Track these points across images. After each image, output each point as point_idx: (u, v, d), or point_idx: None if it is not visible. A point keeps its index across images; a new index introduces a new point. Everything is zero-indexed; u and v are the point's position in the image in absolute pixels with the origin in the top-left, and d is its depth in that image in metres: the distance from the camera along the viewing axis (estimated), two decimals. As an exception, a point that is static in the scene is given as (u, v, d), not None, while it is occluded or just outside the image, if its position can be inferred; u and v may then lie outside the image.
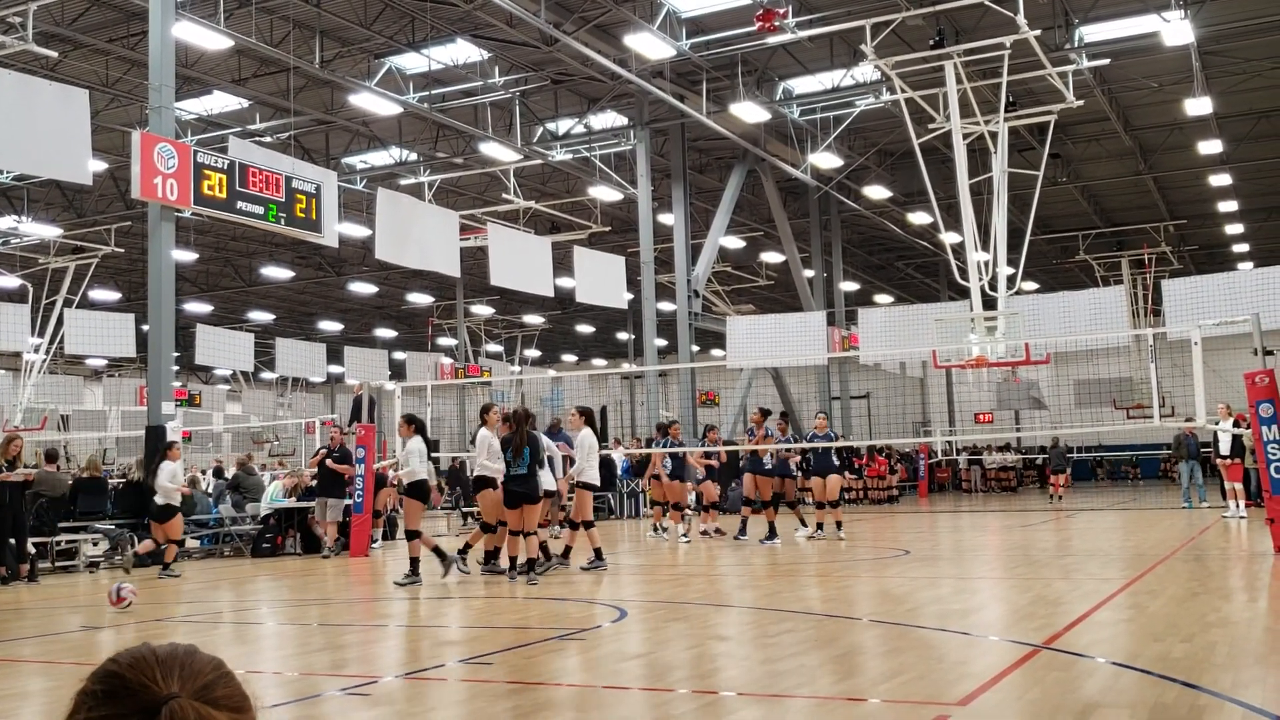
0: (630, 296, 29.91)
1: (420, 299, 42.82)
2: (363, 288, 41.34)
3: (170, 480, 14.06)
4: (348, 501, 16.76)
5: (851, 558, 13.83)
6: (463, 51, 23.17)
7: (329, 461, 16.73)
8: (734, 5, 20.91)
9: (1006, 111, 18.95)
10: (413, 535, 12.22)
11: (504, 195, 27.99)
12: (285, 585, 12.95)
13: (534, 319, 46.15)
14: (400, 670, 6.96)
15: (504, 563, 12.14)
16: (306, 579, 13.44)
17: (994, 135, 19.00)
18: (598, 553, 12.82)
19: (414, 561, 11.90)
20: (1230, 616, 7.94)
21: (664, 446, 17.88)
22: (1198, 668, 5.92)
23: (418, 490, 12.46)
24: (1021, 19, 16.91)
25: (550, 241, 25.89)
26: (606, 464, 25.60)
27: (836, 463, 17.14)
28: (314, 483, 17.24)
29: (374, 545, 17.20)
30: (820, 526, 17.31)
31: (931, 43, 18.35)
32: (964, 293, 19.81)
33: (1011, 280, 19.47)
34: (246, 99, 24.85)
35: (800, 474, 18.17)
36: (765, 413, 16.95)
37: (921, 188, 20.45)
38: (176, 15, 16.99)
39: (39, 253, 28.35)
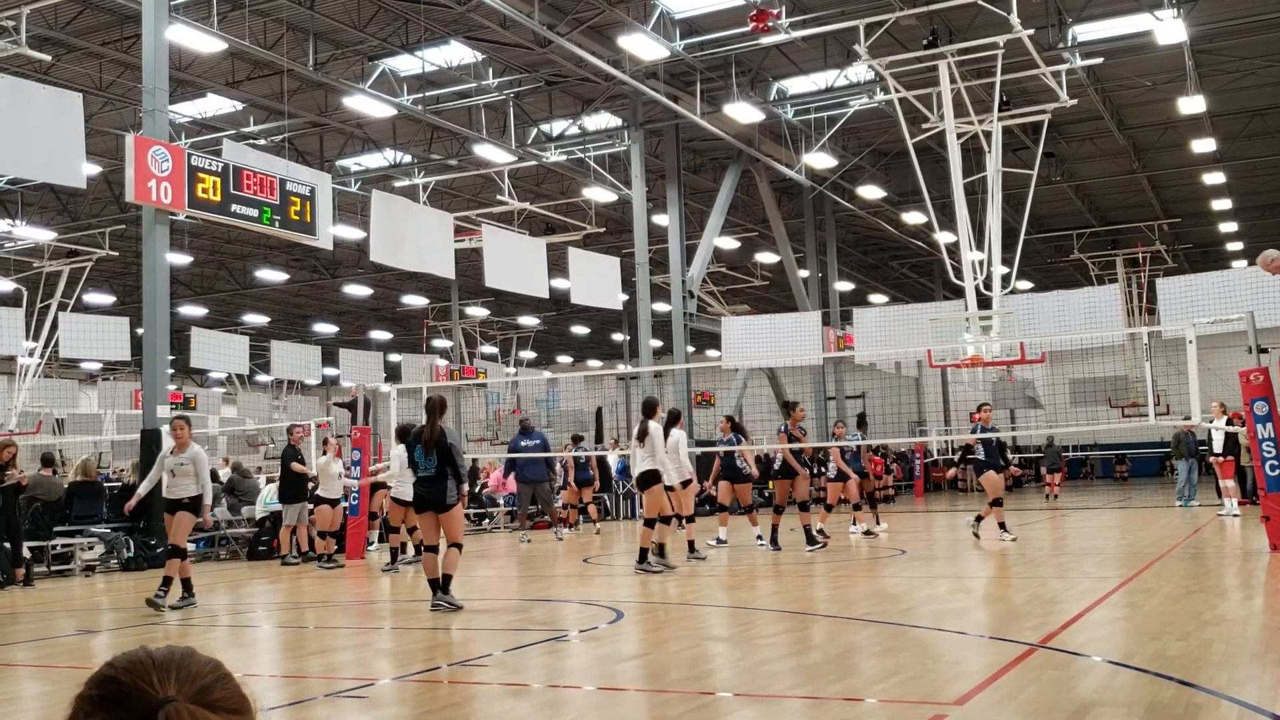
0: (625, 297, 29.91)
1: (415, 301, 42.79)
2: (357, 290, 41.31)
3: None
4: (306, 505, 16.51)
5: (848, 557, 13.83)
6: (456, 53, 23.16)
7: (294, 464, 16.48)
8: (727, 6, 20.91)
9: (1000, 111, 18.99)
10: (178, 553, 10.72)
11: (498, 197, 27.98)
12: (281, 588, 12.94)
13: (529, 320, 46.14)
14: (396, 672, 6.95)
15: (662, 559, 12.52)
16: (302, 581, 13.43)
17: (988, 135, 19.05)
18: (652, 551, 13.25)
19: (185, 582, 10.64)
20: (1226, 614, 7.95)
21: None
22: (1194, 666, 5.93)
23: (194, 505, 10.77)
24: (1015, 18, 16.95)
25: (545, 243, 25.89)
26: (602, 465, 25.70)
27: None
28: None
29: (370, 547, 17.18)
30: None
31: (925, 42, 18.40)
32: (959, 292, 19.84)
33: (1006, 279, 19.52)
34: (240, 102, 24.83)
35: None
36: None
37: (916, 187, 20.48)
38: (170, 18, 16.98)
39: (33, 256, 28.31)
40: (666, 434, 13.87)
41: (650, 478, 12.51)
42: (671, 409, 14.52)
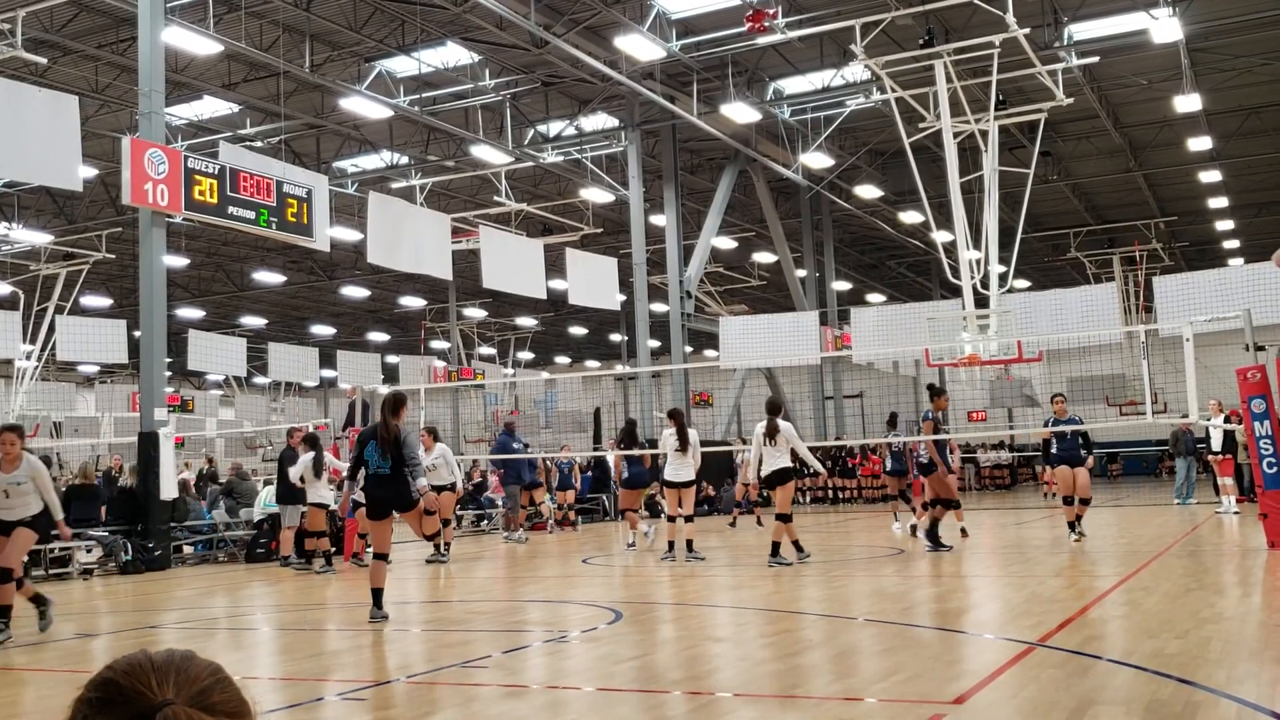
0: (623, 298, 29.89)
1: (412, 302, 42.77)
2: (355, 291, 41.31)
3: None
4: (304, 508, 16.56)
5: (846, 557, 13.83)
6: (453, 54, 23.16)
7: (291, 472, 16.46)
8: (724, 6, 20.93)
9: (996, 110, 19.01)
10: (6, 578, 9.06)
11: (495, 198, 27.98)
12: (280, 590, 12.94)
13: (526, 321, 46.13)
14: (396, 674, 6.95)
15: (788, 554, 12.58)
16: (301, 583, 13.43)
17: (984, 134, 19.07)
18: (688, 545, 13.75)
19: (3, 609, 9.03)
20: (1224, 612, 7.95)
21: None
22: (1192, 664, 5.94)
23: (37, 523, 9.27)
24: (1011, 18, 16.96)
25: (542, 244, 25.90)
26: (601, 465, 25.71)
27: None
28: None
29: (368, 549, 17.16)
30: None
31: (921, 42, 18.41)
32: (956, 291, 19.86)
33: (1003, 278, 19.53)
34: (237, 104, 24.83)
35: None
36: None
37: (913, 187, 20.50)
38: (166, 20, 16.96)
39: (30, 259, 28.29)
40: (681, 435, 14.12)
41: (783, 475, 12.73)
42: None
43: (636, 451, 16.47)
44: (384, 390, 19.72)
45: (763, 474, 12.99)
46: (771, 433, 12.78)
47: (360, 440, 9.43)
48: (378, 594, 9.19)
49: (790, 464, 12.80)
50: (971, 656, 6.64)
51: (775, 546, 12.70)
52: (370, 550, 16.25)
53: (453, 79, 23.86)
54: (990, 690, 5.51)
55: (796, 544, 12.82)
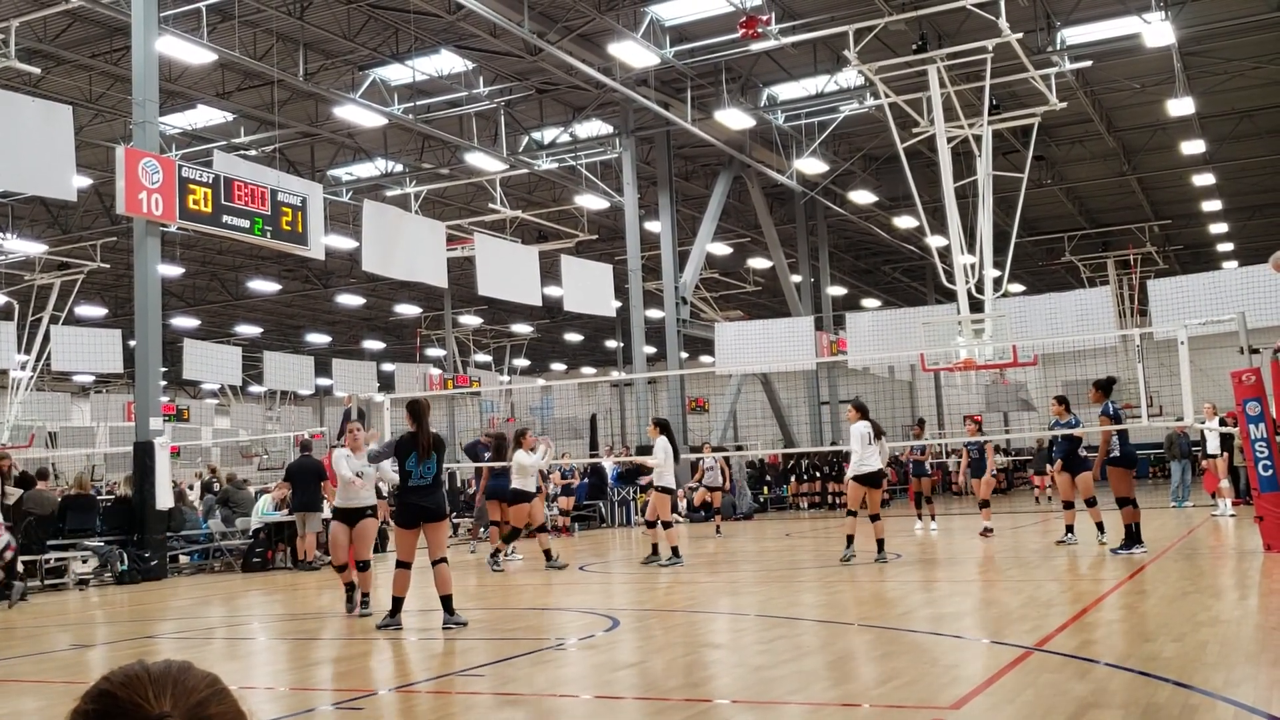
0: (618, 304, 29.88)
1: (408, 310, 42.75)
2: (350, 300, 41.28)
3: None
4: (326, 515, 16.71)
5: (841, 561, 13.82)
6: (447, 62, 23.18)
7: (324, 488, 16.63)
8: (717, 13, 20.96)
9: (990, 114, 19.04)
10: None
11: (490, 205, 27.99)
12: (276, 599, 12.91)
13: (522, 328, 46.11)
14: (394, 683, 6.94)
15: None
16: (298, 593, 13.40)
17: (978, 138, 19.10)
18: (675, 550, 14.01)
19: None
20: (1221, 615, 7.96)
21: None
22: (1189, 667, 5.94)
23: None
24: (1003, 22, 17.00)
25: (537, 250, 25.89)
26: (598, 471, 25.69)
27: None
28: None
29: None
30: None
31: (914, 47, 18.45)
32: (951, 296, 19.88)
33: (998, 282, 19.56)
34: (231, 112, 24.81)
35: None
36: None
37: (907, 191, 20.53)
38: (159, 30, 16.96)
39: (24, 269, 28.24)
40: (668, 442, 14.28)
41: (881, 476, 13.26)
42: (660, 418, 14.81)
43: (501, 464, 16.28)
44: (379, 398, 19.70)
45: (858, 474, 13.19)
46: (879, 433, 13.39)
47: (399, 453, 9.29)
48: (398, 602, 9.20)
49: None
50: (969, 661, 6.65)
51: (880, 544, 13.11)
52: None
53: (447, 86, 23.87)
54: (988, 695, 5.51)
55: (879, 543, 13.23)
